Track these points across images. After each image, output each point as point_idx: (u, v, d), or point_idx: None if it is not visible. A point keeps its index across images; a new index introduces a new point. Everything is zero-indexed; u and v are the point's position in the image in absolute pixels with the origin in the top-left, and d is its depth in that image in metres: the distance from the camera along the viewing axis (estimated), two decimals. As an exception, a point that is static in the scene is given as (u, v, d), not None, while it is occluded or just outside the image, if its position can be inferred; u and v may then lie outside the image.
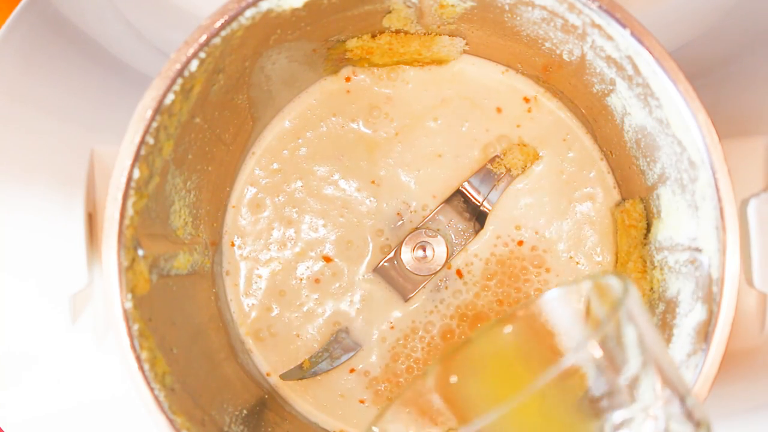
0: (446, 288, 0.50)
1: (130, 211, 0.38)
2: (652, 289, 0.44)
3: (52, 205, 0.44)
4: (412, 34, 0.47)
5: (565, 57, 0.44)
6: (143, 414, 0.38)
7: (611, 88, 0.43)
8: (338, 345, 0.49)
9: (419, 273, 0.49)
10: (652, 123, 0.41)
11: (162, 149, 0.39)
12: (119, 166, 0.37)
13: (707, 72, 0.50)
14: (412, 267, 0.49)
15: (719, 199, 0.38)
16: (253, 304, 0.50)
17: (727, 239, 0.37)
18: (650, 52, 0.38)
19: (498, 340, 0.38)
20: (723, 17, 0.51)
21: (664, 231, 0.43)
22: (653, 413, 0.31)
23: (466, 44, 0.49)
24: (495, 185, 0.49)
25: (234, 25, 0.38)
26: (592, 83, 0.44)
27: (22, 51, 0.47)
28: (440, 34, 0.48)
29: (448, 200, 0.50)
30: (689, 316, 0.39)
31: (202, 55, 0.38)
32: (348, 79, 0.50)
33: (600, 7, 0.38)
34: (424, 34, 0.48)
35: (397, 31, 0.47)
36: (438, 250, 0.49)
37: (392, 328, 0.50)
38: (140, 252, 0.38)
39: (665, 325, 0.41)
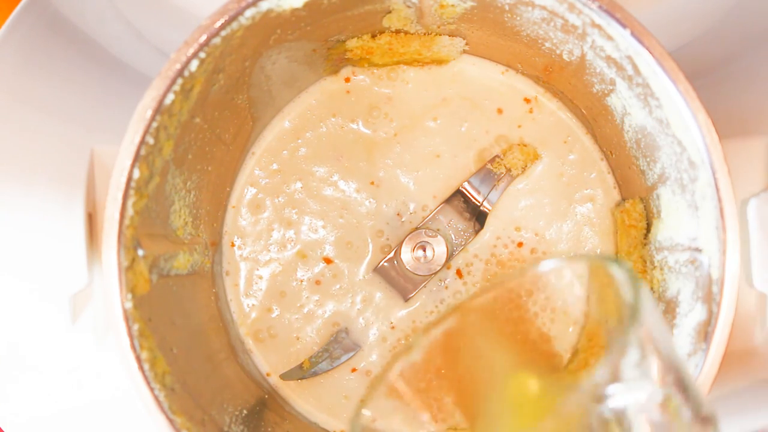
0: (446, 288, 0.50)
1: (130, 211, 0.38)
2: (652, 289, 0.44)
3: (52, 205, 0.44)
4: (412, 34, 0.47)
5: (565, 57, 0.44)
6: (143, 414, 0.38)
7: (611, 88, 0.43)
8: (338, 345, 0.49)
9: (419, 273, 0.49)
10: (652, 123, 0.41)
11: (162, 149, 0.39)
12: (119, 166, 0.37)
13: (707, 72, 0.50)
14: (412, 267, 0.49)
15: (719, 199, 0.38)
16: (253, 305, 0.50)
17: (727, 239, 0.37)
18: (650, 52, 0.38)
19: (480, 313, 0.38)
20: (723, 17, 0.51)
21: (664, 231, 0.43)
22: (658, 407, 0.31)
23: (466, 44, 0.49)
24: (495, 185, 0.49)
25: (234, 25, 0.38)
26: (592, 83, 0.44)
27: (22, 51, 0.47)
28: (440, 34, 0.48)
29: (448, 200, 0.50)
30: (689, 316, 0.39)
31: (202, 55, 0.38)
32: (348, 80, 0.50)
33: (600, 7, 0.38)
34: (424, 34, 0.48)
35: (397, 31, 0.47)
36: (438, 250, 0.49)
37: (393, 328, 0.50)
38: (140, 252, 0.38)
39: (665, 325, 0.41)
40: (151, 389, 0.37)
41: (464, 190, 0.49)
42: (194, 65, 0.38)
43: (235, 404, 0.44)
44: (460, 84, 0.50)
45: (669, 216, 0.43)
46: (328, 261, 0.50)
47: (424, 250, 0.48)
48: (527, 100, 0.50)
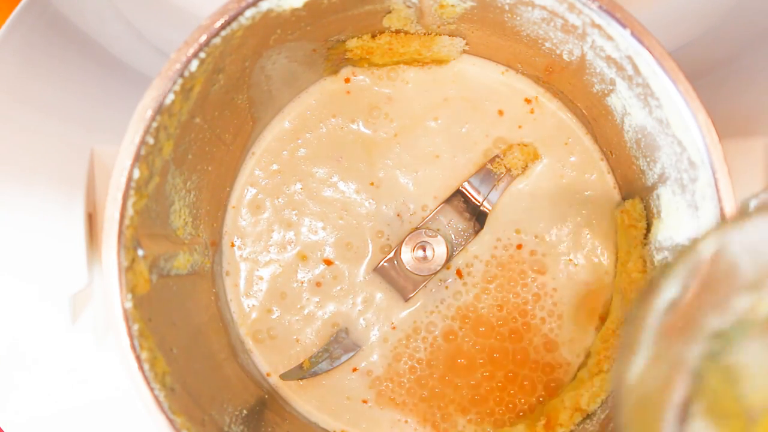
0: (446, 288, 0.50)
1: (130, 211, 0.38)
2: (652, 289, 0.44)
3: (52, 205, 0.44)
4: (412, 34, 0.47)
5: (565, 57, 0.44)
6: (143, 414, 0.38)
7: (611, 88, 0.43)
8: (338, 345, 0.49)
9: (419, 273, 0.49)
10: (652, 123, 0.41)
11: (162, 149, 0.39)
12: (119, 166, 0.37)
13: (707, 72, 0.50)
14: (412, 267, 0.49)
15: (719, 199, 0.38)
16: (253, 305, 0.50)
17: (727, 239, 0.37)
18: (650, 52, 0.38)
19: None
20: (723, 17, 0.51)
21: (664, 231, 0.43)
22: None
23: (466, 44, 0.49)
24: (495, 185, 0.49)
25: (234, 25, 0.38)
26: (592, 83, 0.44)
27: (22, 51, 0.47)
28: (440, 34, 0.48)
29: (448, 200, 0.50)
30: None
31: (202, 55, 0.38)
32: (348, 80, 0.50)
33: (600, 7, 0.38)
34: (424, 34, 0.48)
35: (397, 31, 0.47)
36: (438, 250, 0.49)
37: (394, 328, 0.50)
38: (140, 252, 0.38)
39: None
40: (151, 389, 0.37)
41: (464, 190, 0.49)
42: (194, 65, 0.38)
43: (235, 404, 0.44)
44: (460, 84, 0.50)
45: (669, 216, 0.43)
46: (328, 263, 0.50)
47: (424, 250, 0.48)
48: (528, 101, 0.50)
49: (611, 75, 0.42)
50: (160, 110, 0.38)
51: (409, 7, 0.44)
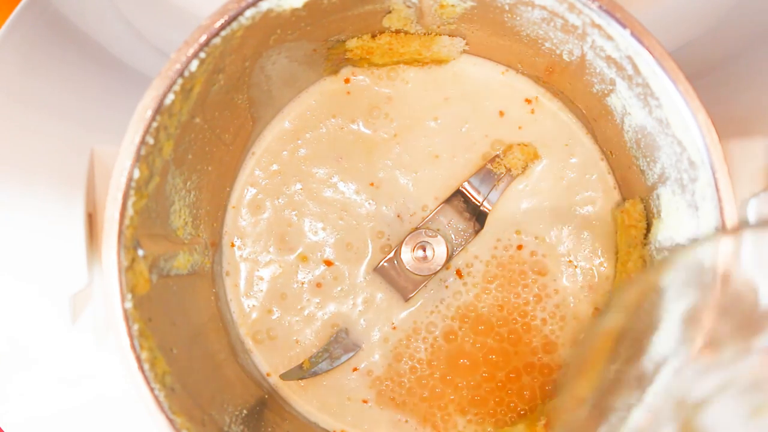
0: (446, 288, 0.50)
1: (130, 211, 0.38)
2: (652, 289, 0.44)
3: (52, 205, 0.44)
4: (412, 34, 0.47)
5: (565, 57, 0.44)
6: (143, 414, 0.38)
7: (611, 88, 0.43)
8: (338, 345, 0.49)
9: (419, 273, 0.49)
10: (652, 123, 0.41)
11: (162, 149, 0.39)
12: (119, 166, 0.37)
13: (707, 72, 0.50)
14: (412, 267, 0.49)
15: (719, 199, 0.38)
16: (253, 305, 0.50)
17: (727, 239, 0.37)
18: (650, 52, 0.38)
19: None
20: (723, 17, 0.51)
21: (664, 231, 0.43)
22: None
23: (466, 44, 0.49)
24: (495, 185, 0.49)
25: (234, 25, 0.38)
26: (592, 83, 0.44)
27: (22, 51, 0.47)
28: (440, 34, 0.48)
29: (448, 200, 0.50)
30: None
31: (202, 55, 0.38)
32: (348, 80, 0.50)
33: (600, 7, 0.38)
34: (424, 34, 0.48)
35: (397, 31, 0.47)
36: (438, 250, 0.49)
37: (394, 328, 0.50)
38: (140, 252, 0.38)
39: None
40: (151, 389, 0.37)
41: (464, 190, 0.49)
42: (194, 65, 0.38)
43: (235, 404, 0.44)
44: (460, 84, 0.50)
45: (669, 216, 0.43)
46: (328, 263, 0.50)
47: (424, 250, 0.48)
48: (528, 101, 0.50)
49: (611, 75, 0.42)
50: (160, 110, 0.38)
51: (409, 7, 0.44)
